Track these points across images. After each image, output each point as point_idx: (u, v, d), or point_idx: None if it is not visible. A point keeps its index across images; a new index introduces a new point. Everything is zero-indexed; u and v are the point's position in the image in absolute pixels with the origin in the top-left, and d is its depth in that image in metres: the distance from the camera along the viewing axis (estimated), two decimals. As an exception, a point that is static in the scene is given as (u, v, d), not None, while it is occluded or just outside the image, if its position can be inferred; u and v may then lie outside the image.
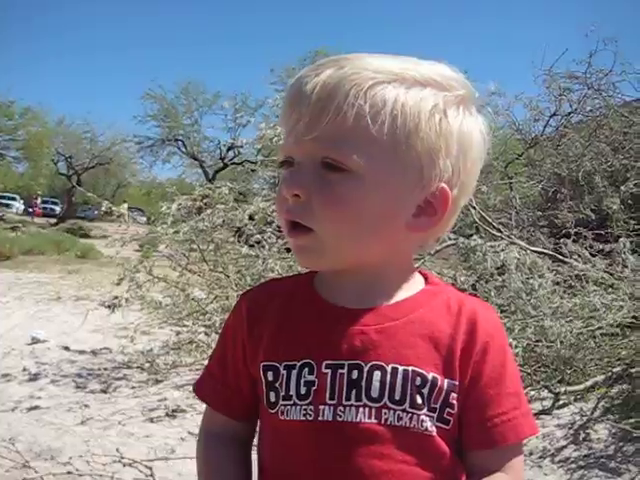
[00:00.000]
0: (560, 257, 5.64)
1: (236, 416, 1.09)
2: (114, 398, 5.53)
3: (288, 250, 6.13)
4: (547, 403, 4.75)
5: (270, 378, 1.00)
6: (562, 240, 5.99)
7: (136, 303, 6.48)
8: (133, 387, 5.84)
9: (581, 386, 4.84)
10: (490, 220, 6.13)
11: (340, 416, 0.95)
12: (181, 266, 6.11)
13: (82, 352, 7.27)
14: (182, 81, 34.36)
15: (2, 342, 7.74)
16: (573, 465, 3.99)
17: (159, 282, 6.22)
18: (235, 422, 1.09)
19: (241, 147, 23.83)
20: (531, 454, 4.02)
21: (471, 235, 5.95)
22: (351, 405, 0.95)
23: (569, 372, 5.00)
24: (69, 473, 3.61)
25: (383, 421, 0.94)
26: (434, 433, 0.96)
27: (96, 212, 36.32)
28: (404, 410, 0.95)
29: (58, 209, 45.63)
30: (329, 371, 0.96)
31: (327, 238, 0.95)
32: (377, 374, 0.96)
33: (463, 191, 1.01)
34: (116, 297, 6.34)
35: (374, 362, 0.96)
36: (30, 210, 41.74)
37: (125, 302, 6.22)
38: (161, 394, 5.60)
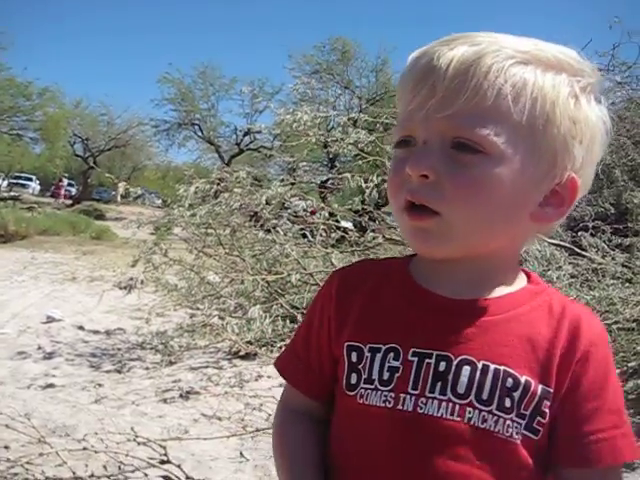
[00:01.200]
0: (578, 250, 5.60)
1: (315, 396, 1.05)
2: (128, 378, 5.57)
3: (304, 235, 6.15)
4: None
5: (354, 359, 0.96)
6: (580, 233, 5.95)
7: (151, 285, 6.52)
8: (147, 368, 5.88)
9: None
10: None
11: (421, 408, 0.89)
12: (197, 249, 6.12)
13: (96, 332, 7.33)
14: (199, 65, 34.44)
15: (18, 320, 7.81)
16: None
17: (174, 265, 6.24)
18: (313, 401, 1.05)
19: (258, 132, 23.88)
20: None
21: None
22: (434, 398, 0.89)
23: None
24: (84, 449, 3.63)
25: (466, 420, 0.88)
26: (518, 441, 0.89)
27: (113, 193, 36.57)
28: (490, 412, 0.89)
29: (74, 190, 45.85)
30: (415, 359, 0.91)
31: (456, 223, 0.89)
32: (466, 369, 0.90)
33: (585, 182, 0.97)
34: (131, 278, 6.37)
35: (464, 356, 0.90)
36: (56, 192, 41.89)
37: (140, 284, 6.26)
38: (175, 376, 5.63)
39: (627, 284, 4.97)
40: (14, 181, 44.42)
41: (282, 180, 6.35)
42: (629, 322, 4.77)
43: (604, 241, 5.61)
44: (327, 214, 5.92)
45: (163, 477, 3.46)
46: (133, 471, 3.49)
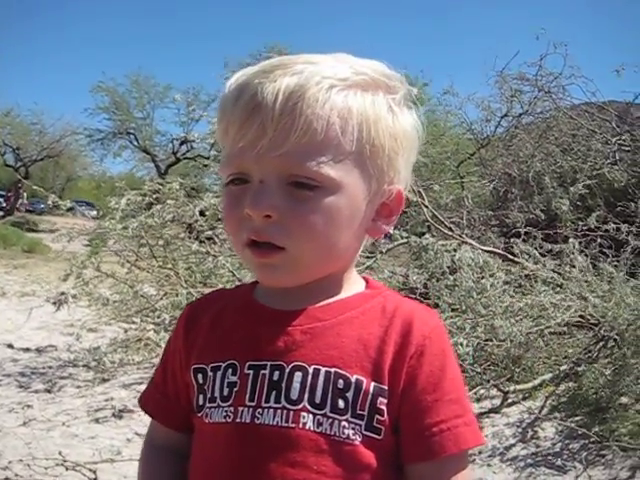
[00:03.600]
0: (510, 257, 5.69)
1: (175, 427, 1.06)
2: (59, 398, 5.39)
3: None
4: (496, 402, 4.80)
5: (200, 381, 0.98)
6: (512, 240, 6.05)
7: (84, 299, 6.33)
8: (79, 386, 5.71)
9: (529, 384, 4.90)
10: (442, 219, 6.16)
11: (258, 418, 0.91)
12: (130, 262, 5.99)
13: (26, 350, 7.08)
14: (133, 74, 33.92)
15: (-58, 339, 7.49)
16: (521, 463, 4.03)
17: (107, 278, 6.09)
18: (175, 433, 1.06)
19: (194, 142, 23.61)
20: (480, 453, 4.05)
21: (423, 234, 5.98)
22: (270, 407, 0.91)
23: (518, 371, 5.06)
24: (7, 479, 3.48)
25: (301, 425, 0.90)
26: (357, 442, 0.90)
27: (43, 206, 35.58)
28: (324, 415, 0.90)
29: (3, 202, 44.50)
30: (251, 372, 0.93)
31: (301, 255, 0.92)
32: (298, 375, 0.91)
33: (406, 187, 1.01)
34: (62, 293, 6.18)
35: (296, 362, 0.92)
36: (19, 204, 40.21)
37: (72, 298, 6.07)
38: (108, 393, 5.48)
39: (558, 289, 5.08)
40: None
41: (216, 192, 6.26)
42: (560, 326, 4.88)
43: (535, 247, 5.73)
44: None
45: (93, 502, 3.35)
46: (61, 497, 3.36)
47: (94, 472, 3.50)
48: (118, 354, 6.09)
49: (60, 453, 3.73)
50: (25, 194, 39.58)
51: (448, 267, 5.08)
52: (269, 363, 0.93)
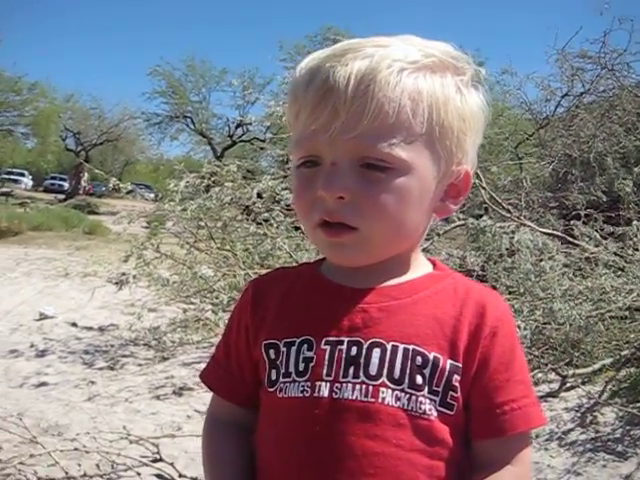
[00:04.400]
0: (570, 239, 5.59)
1: (239, 402, 1.07)
2: (121, 375, 5.55)
3: (296, 228, 6.12)
4: (554, 386, 4.74)
5: (272, 356, 0.99)
6: (572, 222, 5.94)
7: (143, 280, 6.48)
8: (140, 364, 5.87)
9: (589, 369, 4.82)
10: (500, 201, 6.08)
11: (336, 393, 0.92)
12: (189, 244, 6.09)
13: (90, 329, 7.31)
14: (189, 58, 34.24)
15: (10, 318, 7.77)
16: (580, 448, 3.98)
17: (166, 259, 6.21)
18: (238, 408, 1.08)
19: (250, 124, 23.75)
20: (537, 437, 4.01)
21: (480, 216, 5.92)
22: (348, 382, 0.93)
23: (577, 355, 4.98)
24: (76, 449, 3.62)
25: (380, 400, 0.91)
26: (433, 417, 0.92)
27: (104, 188, 36.38)
28: (403, 390, 0.92)
29: (66, 185, 45.66)
30: (328, 347, 0.95)
31: (373, 236, 0.94)
32: (377, 351, 0.93)
33: (473, 167, 1.03)
34: (123, 274, 6.34)
35: (374, 339, 0.94)
36: (80, 187, 41.20)
37: (132, 279, 6.23)
38: (168, 372, 5.62)
39: (619, 273, 4.97)
40: (6, 177, 44.24)
41: (273, 173, 6.31)
42: (622, 311, 4.77)
43: (596, 230, 5.61)
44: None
45: (156, 475, 3.45)
46: (126, 470, 3.47)
47: (157, 446, 3.60)
48: (177, 334, 6.24)
49: (124, 427, 3.85)
50: (86, 177, 40.56)
51: (507, 249, 5.02)
52: (346, 339, 0.95)
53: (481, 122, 1.01)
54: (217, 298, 5.94)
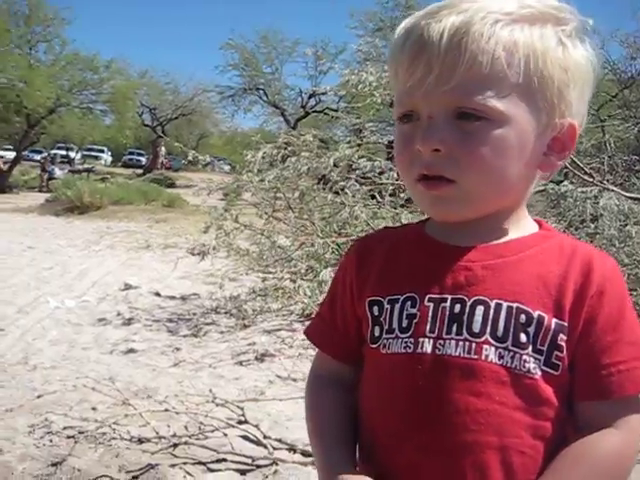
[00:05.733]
0: (658, 203, 5.39)
1: (342, 358, 1.09)
2: (204, 342, 5.72)
3: (372, 197, 6.12)
4: None
5: (375, 313, 1.00)
6: (660, 185, 5.73)
7: (223, 251, 6.63)
8: (222, 332, 6.02)
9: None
10: (581, 165, 5.90)
11: (439, 349, 0.93)
12: (267, 214, 6.18)
13: (172, 298, 7.53)
14: (261, 30, 34.37)
15: (97, 288, 8.10)
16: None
17: (245, 230, 6.33)
18: (341, 364, 1.09)
19: (323, 94, 23.74)
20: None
21: (561, 181, 5.77)
22: (451, 339, 0.93)
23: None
24: (166, 410, 3.76)
25: (483, 357, 0.91)
26: (537, 376, 0.91)
27: (181, 162, 37.19)
28: (506, 348, 0.91)
29: (144, 160, 46.81)
30: (431, 304, 0.95)
31: (472, 188, 0.94)
32: (480, 309, 0.93)
33: (580, 122, 0.99)
34: (204, 245, 6.49)
35: (478, 297, 0.94)
36: (158, 161, 42.22)
37: (213, 249, 6.37)
38: (249, 339, 5.75)
39: None
40: (87, 153, 45.68)
41: (349, 142, 6.31)
42: None
43: (685, 192, 5.38)
44: (396, 174, 5.86)
45: (242, 437, 3.55)
46: (213, 431, 3.59)
47: (242, 409, 3.71)
48: (257, 302, 6.36)
49: (210, 390, 3.98)
50: (163, 152, 41.45)
51: (590, 215, 4.89)
52: (450, 296, 0.95)
53: (588, 74, 0.98)
54: (295, 267, 6.03)
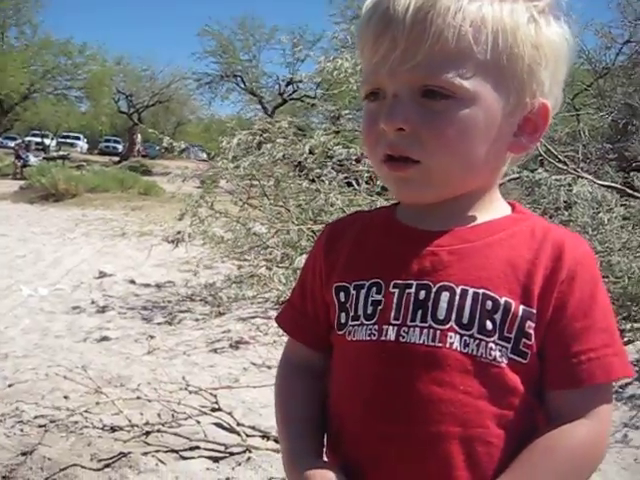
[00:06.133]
0: (630, 191, 5.45)
1: (312, 345, 1.08)
2: (179, 330, 5.70)
3: (349, 184, 6.11)
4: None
5: (342, 299, 0.99)
6: (633, 174, 5.79)
7: (198, 238, 6.60)
8: (197, 319, 6.00)
9: (648, 323, 4.73)
10: (556, 153, 5.94)
11: (403, 337, 0.91)
12: (242, 201, 6.15)
13: (147, 285, 7.49)
14: (239, 16, 34.20)
15: (72, 276, 8.03)
16: (638, 402, 3.94)
17: (221, 217, 6.29)
18: (312, 352, 1.08)
19: (300, 82, 23.71)
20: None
21: (535, 169, 5.80)
22: (415, 326, 0.91)
23: (635, 309, 4.89)
24: (138, 398, 3.74)
25: (448, 345, 0.89)
26: (504, 365, 0.89)
27: (157, 149, 36.86)
28: (471, 336, 0.89)
29: (120, 147, 46.38)
30: (396, 291, 0.93)
31: (436, 169, 0.91)
32: (445, 295, 0.91)
33: (554, 104, 0.97)
34: (179, 232, 6.45)
35: (443, 282, 0.91)
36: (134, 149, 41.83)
37: (188, 237, 6.34)
38: (224, 326, 5.73)
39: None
40: (62, 140, 45.14)
41: (325, 129, 6.29)
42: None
43: (657, 181, 5.45)
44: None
45: (215, 424, 3.54)
46: (186, 419, 3.57)
47: (215, 396, 3.69)
48: (232, 290, 6.34)
49: (183, 378, 3.96)
50: (139, 139, 41.09)
51: (564, 202, 4.92)
52: (415, 282, 0.93)
53: (562, 52, 0.95)
54: (271, 254, 6.01)
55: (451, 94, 0.88)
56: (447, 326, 0.90)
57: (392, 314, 0.93)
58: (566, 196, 5.05)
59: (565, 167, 5.66)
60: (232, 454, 3.27)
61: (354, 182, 6.04)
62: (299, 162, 6.11)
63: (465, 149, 0.91)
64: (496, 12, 0.88)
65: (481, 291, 0.90)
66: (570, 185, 5.27)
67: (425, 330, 0.90)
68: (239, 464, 3.18)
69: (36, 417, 3.62)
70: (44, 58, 29.28)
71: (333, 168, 5.90)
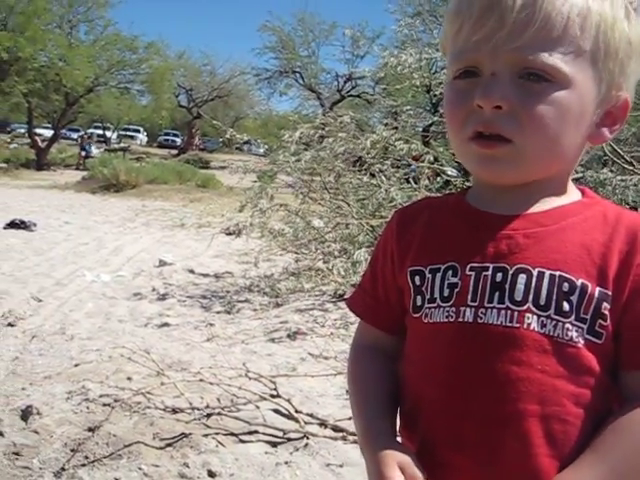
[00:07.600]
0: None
1: (384, 327, 1.10)
2: (237, 319, 5.78)
3: (407, 180, 6.12)
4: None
5: (417, 282, 1.00)
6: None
7: (257, 231, 6.69)
8: (255, 309, 6.08)
9: None
10: (622, 153, 5.82)
11: (481, 318, 0.92)
12: (302, 194, 6.21)
13: (206, 275, 7.62)
14: (299, 12, 34.39)
15: (132, 264, 8.23)
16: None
17: (280, 210, 6.36)
18: (383, 335, 1.10)
19: (360, 78, 23.67)
20: None
21: (597, 170, 5.71)
22: (493, 307, 0.92)
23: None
24: (201, 381, 3.83)
25: (525, 326, 0.90)
26: (580, 345, 0.90)
27: (218, 143, 37.39)
28: (549, 316, 0.90)
29: (179, 141, 47.14)
30: (473, 273, 0.95)
31: (528, 150, 0.91)
32: (522, 277, 0.92)
33: (632, 96, 0.98)
34: (238, 224, 6.55)
35: (520, 265, 0.93)
36: (192, 142, 42.60)
37: (247, 228, 6.43)
38: (282, 317, 5.79)
39: None
40: (123, 133, 46.13)
41: (386, 124, 6.30)
42: None
43: None
44: (431, 158, 5.85)
45: (273, 410, 3.60)
46: (245, 404, 3.64)
47: (274, 383, 3.75)
48: (290, 281, 6.41)
49: (244, 364, 4.03)
50: (198, 133, 41.69)
51: (634, 202, 4.83)
52: (492, 265, 0.94)
53: None
54: (329, 247, 6.06)
55: (550, 78, 0.89)
56: (524, 307, 0.91)
57: (469, 296, 0.94)
58: (633, 196, 4.96)
59: (631, 167, 5.55)
60: (290, 440, 3.32)
61: (412, 180, 6.05)
62: (359, 157, 6.14)
63: (558, 133, 0.91)
64: (599, 4, 0.90)
65: (557, 273, 0.91)
66: (636, 185, 5.17)
67: (503, 311, 0.92)
68: (297, 449, 3.23)
69: (101, 396, 3.74)
70: (110, 53, 29.93)
71: (392, 164, 5.92)
